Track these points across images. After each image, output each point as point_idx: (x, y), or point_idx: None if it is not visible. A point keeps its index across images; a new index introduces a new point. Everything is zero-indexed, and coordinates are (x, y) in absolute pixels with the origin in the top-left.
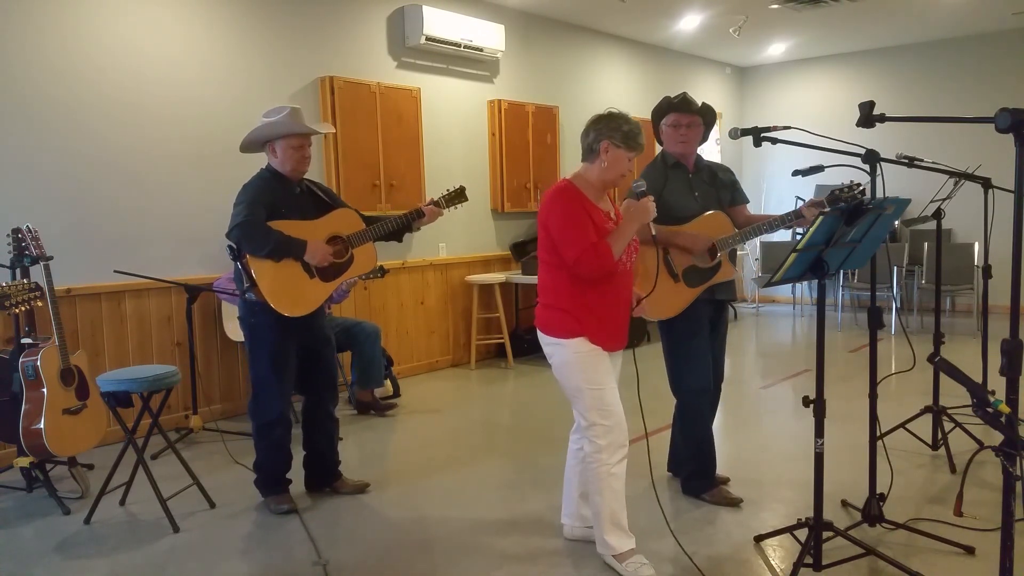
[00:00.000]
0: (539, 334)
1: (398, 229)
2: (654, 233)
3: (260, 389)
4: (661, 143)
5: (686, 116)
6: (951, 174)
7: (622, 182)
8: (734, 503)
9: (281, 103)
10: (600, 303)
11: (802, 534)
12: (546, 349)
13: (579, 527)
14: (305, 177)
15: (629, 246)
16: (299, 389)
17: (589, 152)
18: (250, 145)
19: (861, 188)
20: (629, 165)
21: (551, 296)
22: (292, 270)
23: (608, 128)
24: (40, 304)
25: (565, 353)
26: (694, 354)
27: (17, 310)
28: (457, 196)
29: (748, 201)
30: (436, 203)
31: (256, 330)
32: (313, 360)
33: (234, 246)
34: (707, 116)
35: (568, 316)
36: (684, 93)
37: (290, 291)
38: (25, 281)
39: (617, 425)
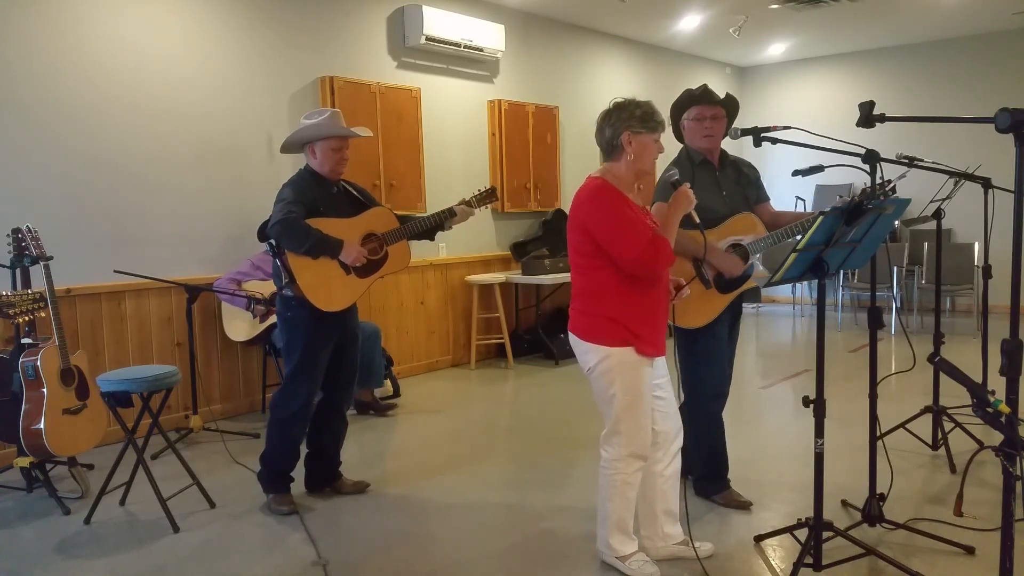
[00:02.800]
0: (573, 339)
1: (431, 228)
2: (698, 221)
3: (290, 382)
4: (682, 140)
5: (710, 108)
6: (951, 174)
7: (654, 168)
8: (744, 506)
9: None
10: (647, 307)
11: (802, 534)
12: (584, 356)
13: (665, 546)
14: (341, 177)
15: None
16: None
17: (611, 149)
18: (291, 146)
19: (892, 185)
20: (658, 147)
21: (592, 302)
22: (329, 266)
23: (622, 118)
24: (43, 315)
25: (609, 361)
26: (713, 358)
27: (21, 319)
28: (488, 196)
29: (769, 198)
30: (468, 203)
31: (292, 324)
32: (338, 356)
33: (274, 242)
34: (731, 107)
35: (616, 324)
36: (704, 85)
37: (327, 287)
38: (30, 291)
39: (644, 440)
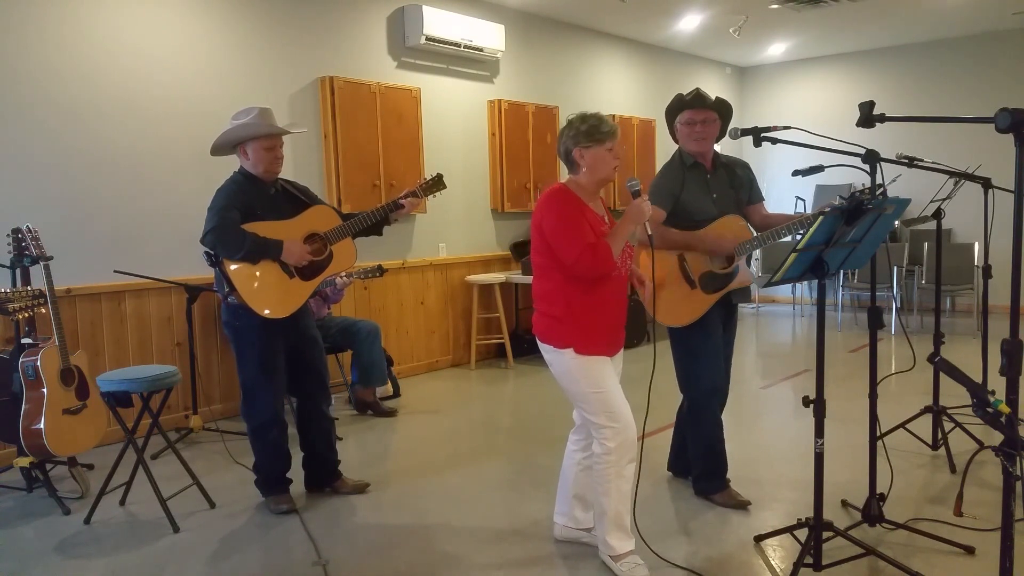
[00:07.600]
0: (537, 341)
1: (376, 223)
2: (650, 233)
3: (250, 392)
4: (677, 141)
5: (701, 112)
6: (951, 174)
7: (615, 174)
8: (743, 505)
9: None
10: (589, 310)
11: (802, 534)
12: (545, 356)
13: (571, 528)
14: (280, 177)
15: (624, 251)
16: (290, 391)
17: (569, 165)
18: (220, 148)
19: (883, 190)
20: (613, 155)
21: (545, 303)
22: (271, 271)
23: (569, 136)
24: (43, 311)
25: (563, 361)
26: (707, 353)
27: (20, 316)
28: (435, 184)
29: (763, 199)
30: (414, 193)
31: (241, 333)
32: (300, 361)
33: (210, 252)
34: (723, 111)
35: (560, 325)
36: (697, 89)
37: (270, 292)
38: (29, 288)
39: (626, 427)
